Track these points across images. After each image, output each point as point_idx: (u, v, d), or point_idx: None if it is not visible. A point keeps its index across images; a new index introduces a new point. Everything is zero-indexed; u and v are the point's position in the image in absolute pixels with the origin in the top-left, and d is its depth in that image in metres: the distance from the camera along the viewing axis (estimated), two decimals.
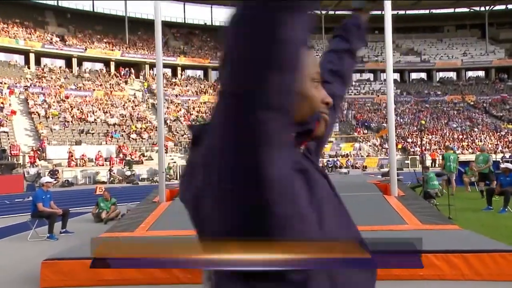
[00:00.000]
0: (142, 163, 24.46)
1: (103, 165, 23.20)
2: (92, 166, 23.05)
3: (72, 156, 22.93)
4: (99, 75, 37.80)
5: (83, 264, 4.21)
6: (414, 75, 50.23)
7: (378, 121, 37.08)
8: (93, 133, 27.16)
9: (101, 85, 35.67)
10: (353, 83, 46.71)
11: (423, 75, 50.36)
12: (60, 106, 29.51)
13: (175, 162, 24.46)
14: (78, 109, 29.80)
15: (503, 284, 3.85)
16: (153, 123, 29.43)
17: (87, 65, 39.51)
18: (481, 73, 49.92)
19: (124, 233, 5.60)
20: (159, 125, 8.34)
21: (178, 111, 34.23)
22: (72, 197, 14.33)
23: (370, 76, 48.84)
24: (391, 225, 5.37)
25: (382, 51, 48.77)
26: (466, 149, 32.90)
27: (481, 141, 33.62)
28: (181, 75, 43.34)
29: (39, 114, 27.22)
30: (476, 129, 36.76)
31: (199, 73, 45.48)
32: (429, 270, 3.99)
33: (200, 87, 41.27)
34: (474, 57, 48.74)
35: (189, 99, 37.59)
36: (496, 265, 3.93)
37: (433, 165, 25.53)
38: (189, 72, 45.14)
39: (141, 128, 29.37)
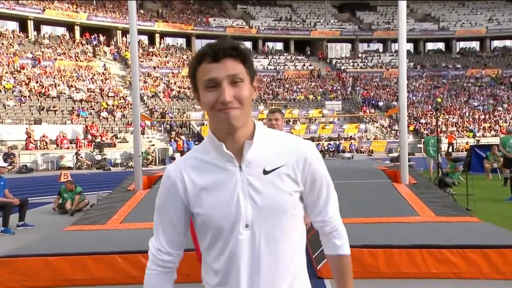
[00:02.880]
0: (115, 146, 24.32)
1: (68, 148, 23.02)
2: (55, 149, 22.84)
3: (30, 137, 22.67)
4: (61, 42, 37.07)
5: (46, 261, 4.20)
6: (430, 45, 50.20)
7: (387, 98, 37.19)
8: (55, 111, 26.82)
9: (64, 53, 35.04)
10: (359, 55, 46.62)
11: (440, 45, 50.36)
12: (14, 78, 28.97)
13: (153, 145, 24.36)
14: (36, 82, 29.31)
15: None
16: (127, 99, 29.13)
17: (46, 29, 38.66)
18: (508, 43, 50.04)
19: (93, 225, 5.58)
20: (134, 102, 8.23)
21: (156, 86, 33.90)
22: (32, 184, 14.24)
23: (379, 46, 48.71)
24: (401, 216, 5.43)
25: (394, 17, 48.54)
26: (488, 131, 33.29)
27: (505, 121, 34.01)
28: (160, 43, 42.74)
29: None
30: (500, 108, 37.11)
31: (181, 41, 44.89)
32: (444, 268, 4.06)
33: (182, 58, 40.81)
34: (502, 23, 48.75)
35: (170, 72, 37.21)
36: None
37: (451, 150, 25.85)
38: (169, 40, 44.54)
39: (113, 105, 29.07)
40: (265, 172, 1.15)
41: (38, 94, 27.90)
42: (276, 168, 1.16)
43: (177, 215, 1.20)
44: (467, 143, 27.59)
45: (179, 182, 1.19)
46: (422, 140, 28.79)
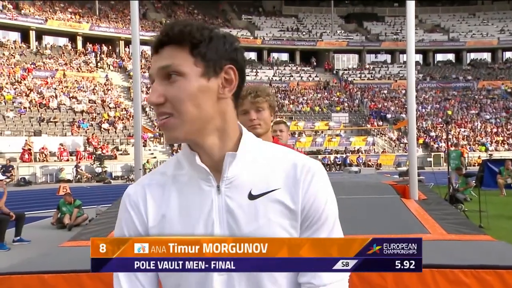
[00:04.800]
0: (116, 158, 24.38)
1: (68, 160, 23.09)
2: (55, 161, 22.92)
3: (30, 149, 22.78)
4: (63, 52, 37.49)
5: (41, 279, 4.15)
6: (440, 57, 50.29)
7: (395, 111, 37.14)
8: (56, 122, 26.98)
9: (65, 64, 35.39)
10: (367, 66, 46.74)
11: (451, 56, 50.43)
12: (14, 88, 29.22)
13: (155, 157, 24.40)
14: (37, 93, 29.55)
15: None
16: (129, 110, 29.28)
17: (48, 39, 39.12)
18: None
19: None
20: (136, 113, 8.24)
21: None
22: (30, 198, 14.25)
23: (387, 57, 48.86)
24: (410, 234, 5.35)
25: (402, 27, 48.72)
26: (501, 145, 33.09)
27: None
28: None
29: None
30: None
31: None
32: None
33: None
34: None
35: None
36: None
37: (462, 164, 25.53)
38: None
39: (114, 117, 29.23)
40: (252, 197, 0.86)
41: (38, 106, 28.12)
42: (267, 192, 0.86)
43: None
44: (479, 157, 27.41)
45: (139, 204, 0.92)
46: (432, 154, 28.80)
